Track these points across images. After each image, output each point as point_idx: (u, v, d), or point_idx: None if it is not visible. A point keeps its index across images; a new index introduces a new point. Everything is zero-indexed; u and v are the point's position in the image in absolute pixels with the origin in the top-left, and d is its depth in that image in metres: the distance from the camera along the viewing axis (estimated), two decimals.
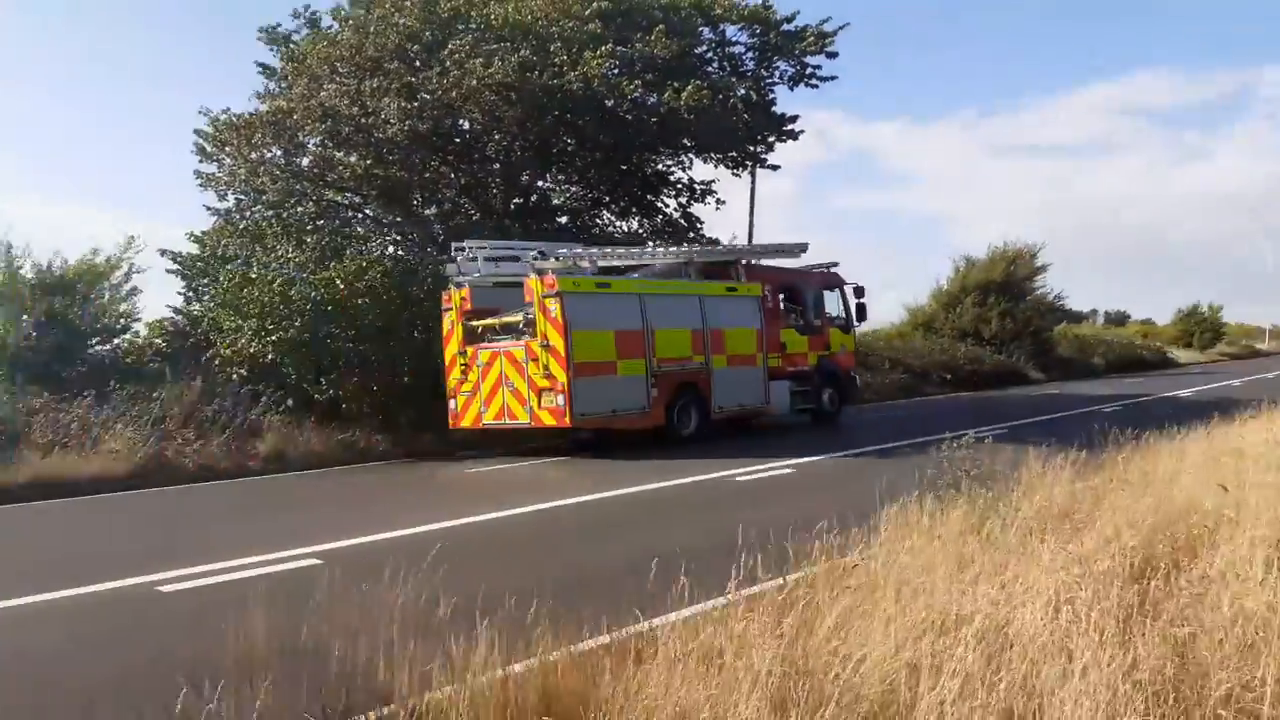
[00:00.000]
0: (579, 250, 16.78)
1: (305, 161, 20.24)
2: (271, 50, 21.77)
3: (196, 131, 20.87)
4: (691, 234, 23.77)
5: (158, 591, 7.12)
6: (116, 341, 19.41)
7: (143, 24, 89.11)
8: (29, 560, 9.28)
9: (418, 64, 19.90)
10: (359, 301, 17.39)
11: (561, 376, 14.58)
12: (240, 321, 17.60)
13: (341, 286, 17.26)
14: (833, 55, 23.79)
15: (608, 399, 15.39)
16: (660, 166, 23.91)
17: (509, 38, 19.26)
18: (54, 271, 18.60)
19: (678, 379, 16.53)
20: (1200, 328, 68.97)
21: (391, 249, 21.94)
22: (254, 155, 19.89)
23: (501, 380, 15.32)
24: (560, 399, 14.62)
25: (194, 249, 21.20)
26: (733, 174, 24.59)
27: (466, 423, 16.08)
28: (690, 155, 23.73)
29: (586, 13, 19.60)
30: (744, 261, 18.67)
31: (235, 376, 17.44)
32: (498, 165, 21.06)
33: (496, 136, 20.30)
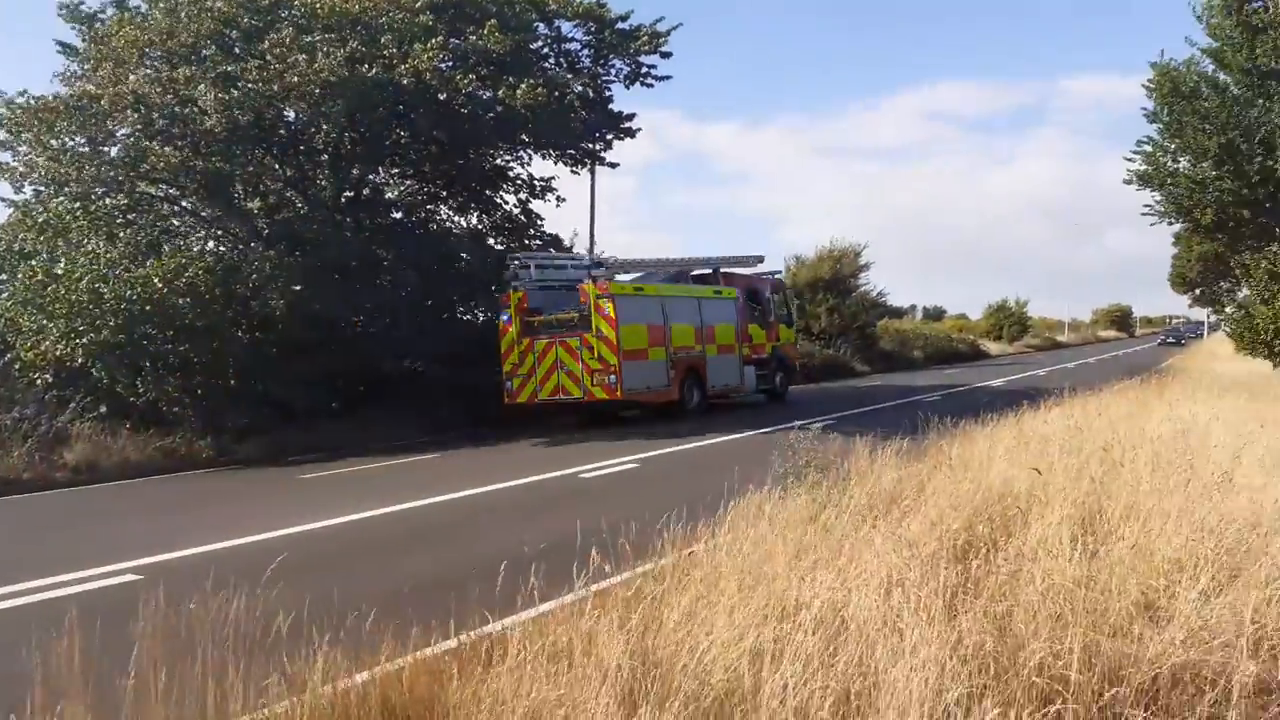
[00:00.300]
0: (615, 262, 21.06)
1: (115, 151, 18.82)
2: (74, 28, 20.15)
3: None
4: (531, 230, 23.61)
5: None
6: None
7: None
8: None
9: (236, 51, 18.88)
10: (179, 301, 16.38)
11: (613, 360, 18.24)
12: (45, 322, 16.24)
13: (160, 285, 16.19)
14: (667, 55, 24.24)
15: (643, 378, 19.14)
16: (499, 162, 23.61)
17: (334, 27, 18.51)
18: None
19: (686, 364, 20.39)
20: (1008, 321, 74.25)
21: (213, 244, 20.77)
22: (55, 143, 18.34)
23: (556, 364, 18.60)
24: (612, 378, 18.26)
25: None
26: (572, 171, 24.63)
27: (522, 399, 19.13)
28: (529, 151, 23.57)
29: (417, 4, 19.06)
30: (720, 270, 22.90)
31: (39, 382, 16.12)
32: (326, 157, 20.22)
33: (324, 128, 19.48)
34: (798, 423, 9.41)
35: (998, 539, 5.71)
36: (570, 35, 23.78)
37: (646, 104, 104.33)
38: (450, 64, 20.08)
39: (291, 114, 19.69)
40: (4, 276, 18.59)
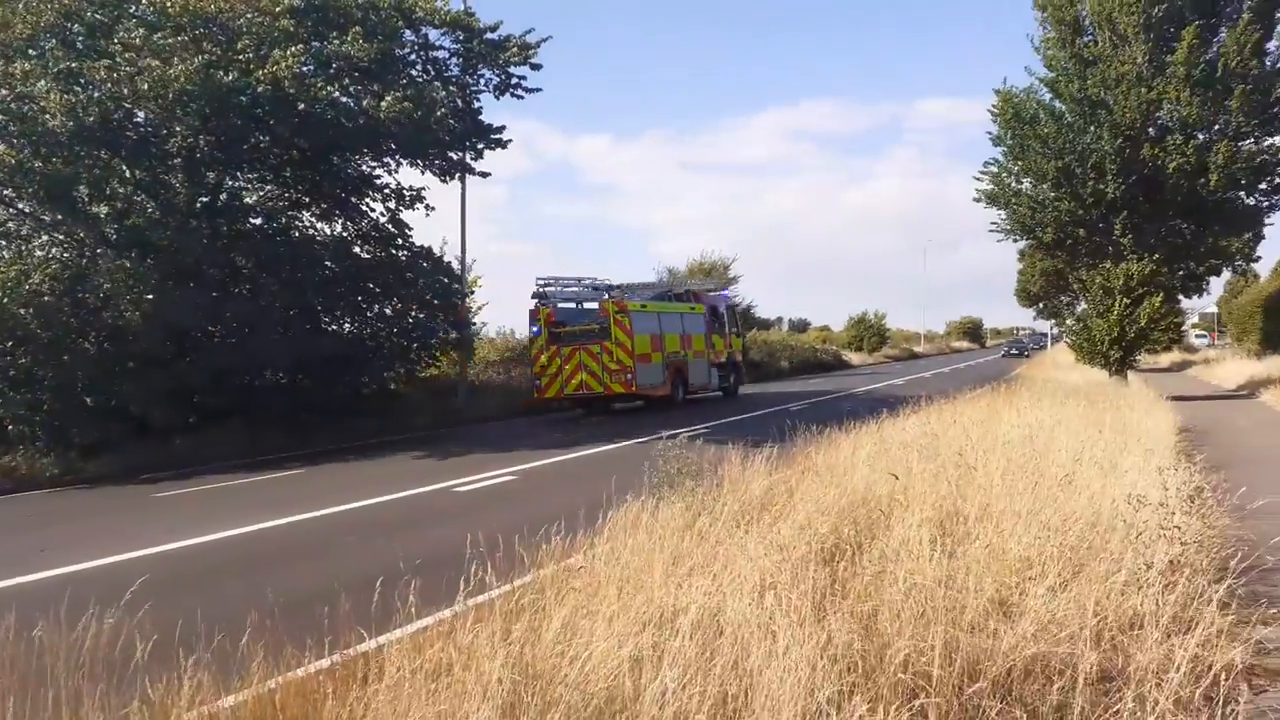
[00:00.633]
0: (624, 285, 25.65)
1: None
2: None
3: None
4: (399, 240, 23.07)
5: None
6: None
7: None
8: None
9: (79, 46, 17.79)
10: (20, 311, 15.33)
11: (629, 362, 23.11)
12: None
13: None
14: (537, 67, 24.16)
15: (648, 377, 23.95)
16: (364, 169, 23.00)
17: (186, 27, 17.67)
18: None
19: (675, 366, 25.43)
20: (869, 333, 77.27)
21: (56, 251, 19.46)
22: None
23: (580, 366, 23.26)
24: (629, 376, 23.15)
25: None
26: (441, 181, 24.22)
27: (550, 394, 23.85)
28: (396, 159, 23.05)
29: (278, 8, 18.37)
30: (692, 290, 29.60)
31: None
32: (179, 161, 19.24)
33: (178, 131, 18.56)
34: (671, 432, 9.55)
35: (863, 541, 5.94)
36: (438, 43, 23.46)
37: (517, 114, 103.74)
38: (312, 69, 19.48)
39: (141, 115, 18.70)
40: None
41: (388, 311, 22.84)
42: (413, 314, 23.03)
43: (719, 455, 8.49)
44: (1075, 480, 7.42)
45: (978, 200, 24.81)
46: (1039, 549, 5.38)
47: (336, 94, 19.22)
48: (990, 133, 24.35)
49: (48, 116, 16.48)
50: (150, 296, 17.53)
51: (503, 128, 24.11)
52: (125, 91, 16.99)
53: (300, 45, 18.43)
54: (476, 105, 24.32)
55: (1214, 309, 73.43)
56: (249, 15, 18.14)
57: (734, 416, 21.57)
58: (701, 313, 27.87)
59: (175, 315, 17.52)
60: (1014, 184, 24.27)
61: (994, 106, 23.95)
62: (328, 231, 22.62)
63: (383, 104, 19.07)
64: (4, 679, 3.50)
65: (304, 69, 18.92)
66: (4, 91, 16.64)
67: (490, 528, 5.80)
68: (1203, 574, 5.45)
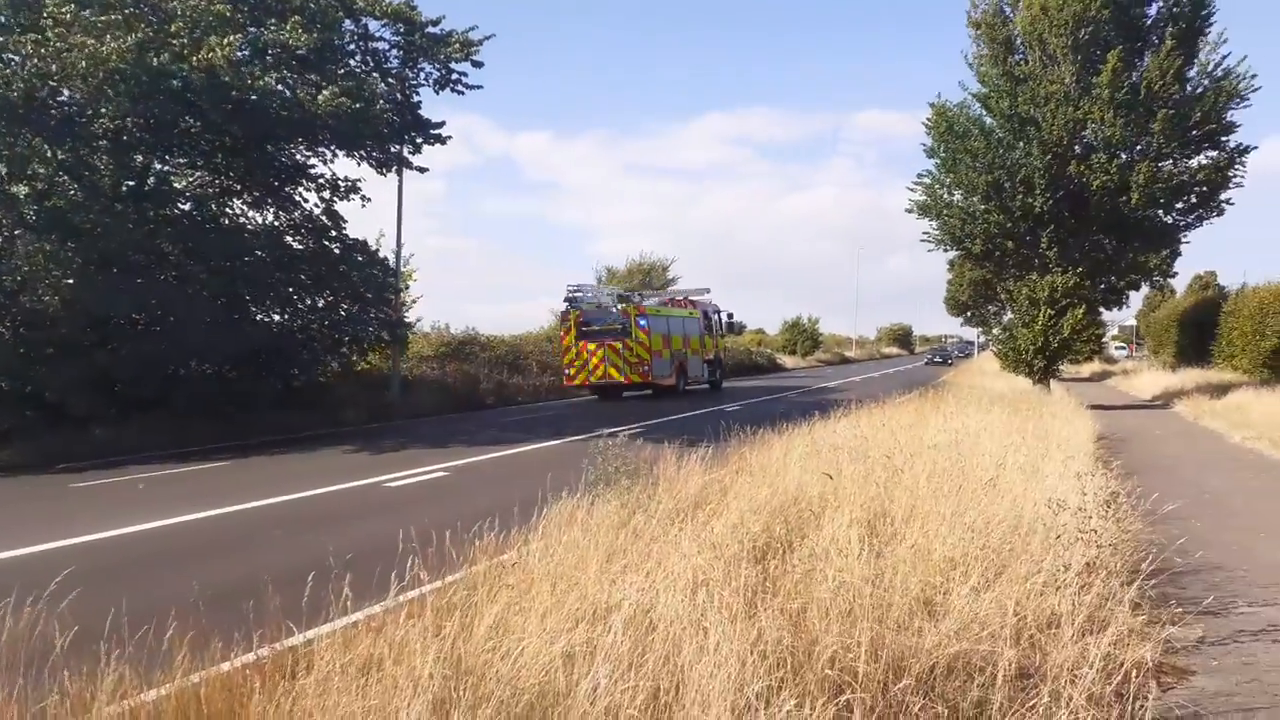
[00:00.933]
0: (642, 294, 32.46)
1: None
2: None
3: None
4: (334, 232, 22.65)
5: None
6: None
7: None
8: None
9: (3, 20, 17.11)
10: None
11: (646, 357, 28.19)
12: None
13: None
14: (478, 64, 23.97)
15: (660, 369, 29.00)
16: (299, 158, 22.52)
17: (118, 5, 17.10)
18: None
19: (679, 361, 30.75)
20: (802, 337, 78.30)
21: None
22: None
23: (604, 359, 28.18)
24: (646, 368, 28.18)
25: None
26: (378, 173, 23.85)
27: (577, 382, 29.07)
28: (332, 150, 22.62)
29: None
30: (689, 298, 34.30)
31: None
32: (105, 143, 18.62)
33: (105, 112, 17.96)
34: (610, 430, 9.61)
35: (793, 540, 6.04)
36: (378, 35, 23.11)
37: (457, 107, 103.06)
38: (248, 56, 19.04)
39: (67, 93, 18.06)
40: None
41: (320, 304, 22.41)
42: (345, 307, 22.63)
43: (656, 454, 8.55)
44: (999, 484, 7.63)
45: (910, 211, 25.28)
46: (963, 550, 5.53)
47: (274, 83, 18.77)
48: (924, 145, 24.87)
49: None
50: (71, 281, 16.95)
51: (442, 123, 23.89)
52: (54, 68, 16.40)
53: (237, 34, 17.99)
54: (416, 99, 24.06)
55: (1133, 322, 76.01)
56: None
57: (670, 417, 21.67)
58: (697, 317, 33.25)
59: (97, 302, 16.97)
60: (946, 196, 24.75)
61: (928, 120, 24.45)
62: (259, 220, 22.08)
63: (320, 96, 18.73)
64: None
65: (240, 55, 18.49)
66: None
67: (423, 523, 5.75)
68: (1116, 576, 5.67)
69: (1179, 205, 23.51)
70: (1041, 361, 24.00)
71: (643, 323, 28.40)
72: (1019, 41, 23.83)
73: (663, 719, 3.67)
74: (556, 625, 4.26)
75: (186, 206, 20.86)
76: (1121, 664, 4.24)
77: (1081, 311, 23.50)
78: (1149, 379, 32.99)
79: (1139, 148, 22.46)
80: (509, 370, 31.75)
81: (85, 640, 3.86)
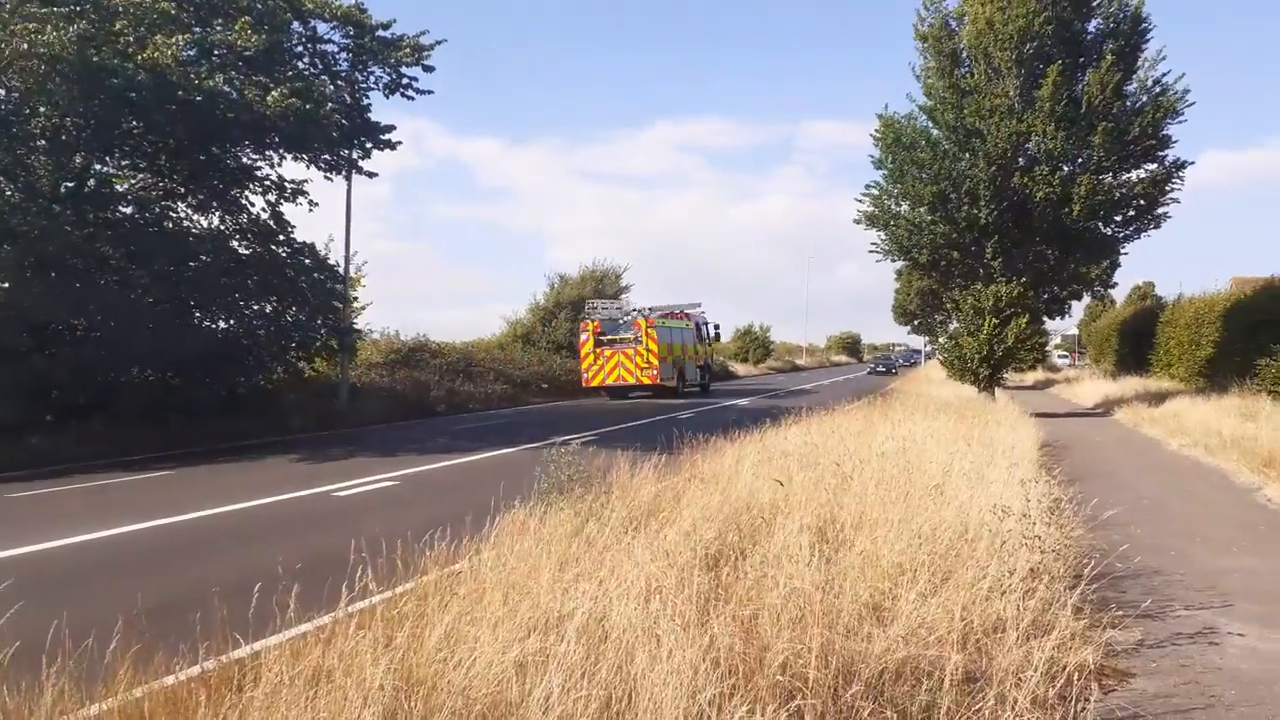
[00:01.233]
0: (651, 307, 36.43)
1: None
2: None
3: None
4: (281, 236, 22.30)
5: None
6: None
7: None
8: None
9: None
10: None
11: (655, 363, 32.86)
12: None
13: None
14: (429, 69, 23.87)
15: (666, 373, 33.58)
16: (245, 161, 22.16)
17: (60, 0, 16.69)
18: None
19: (679, 366, 35.57)
20: (754, 345, 78.82)
21: None
22: None
23: (619, 364, 33.16)
24: (655, 371, 32.83)
25: None
26: (326, 177, 23.58)
27: (594, 384, 33.74)
28: (280, 153, 22.30)
29: None
30: (685, 311, 38.05)
31: None
32: (43, 143, 18.14)
33: (43, 111, 17.50)
34: (564, 438, 9.61)
35: (745, 547, 6.08)
36: (327, 37, 22.86)
37: (405, 111, 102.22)
38: (194, 56, 18.70)
39: (2, 91, 17.58)
40: None
41: (266, 309, 22.04)
42: (292, 313, 22.28)
43: (610, 461, 8.54)
44: (945, 491, 7.76)
45: (859, 221, 25.60)
46: (911, 556, 5.62)
47: (221, 84, 18.45)
48: (872, 156, 25.22)
49: None
50: (6, 285, 16.48)
51: (392, 127, 23.68)
52: None
53: (184, 35, 17.66)
54: (366, 102, 23.84)
55: (1075, 331, 77.69)
56: None
57: (625, 424, 21.67)
58: (691, 328, 38.16)
59: (34, 306, 16.50)
60: (893, 207, 25.09)
61: (876, 131, 24.81)
62: (204, 224, 21.68)
63: (269, 97, 18.45)
64: None
65: (186, 55, 18.15)
66: None
67: (373, 533, 5.69)
68: (1060, 581, 5.80)
69: (1119, 218, 24.10)
70: (986, 370, 24.44)
71: (654, 333, 33.34)
72: (965, 55, 24.28)
73: None
74: (509, 635, 4.24)
75: (128, 209, 20.37)
76: (1064, 667, 4.34)
77: (1025, 321, 23.98)
78: (1090, 387, 33.76)
79: (1080, 160, 23.01)
80: (461, 378, 31.53)
81: (25, 655, 3.76)
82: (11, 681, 3.53)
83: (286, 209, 22.32)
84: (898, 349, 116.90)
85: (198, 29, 18.81)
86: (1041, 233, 23.81)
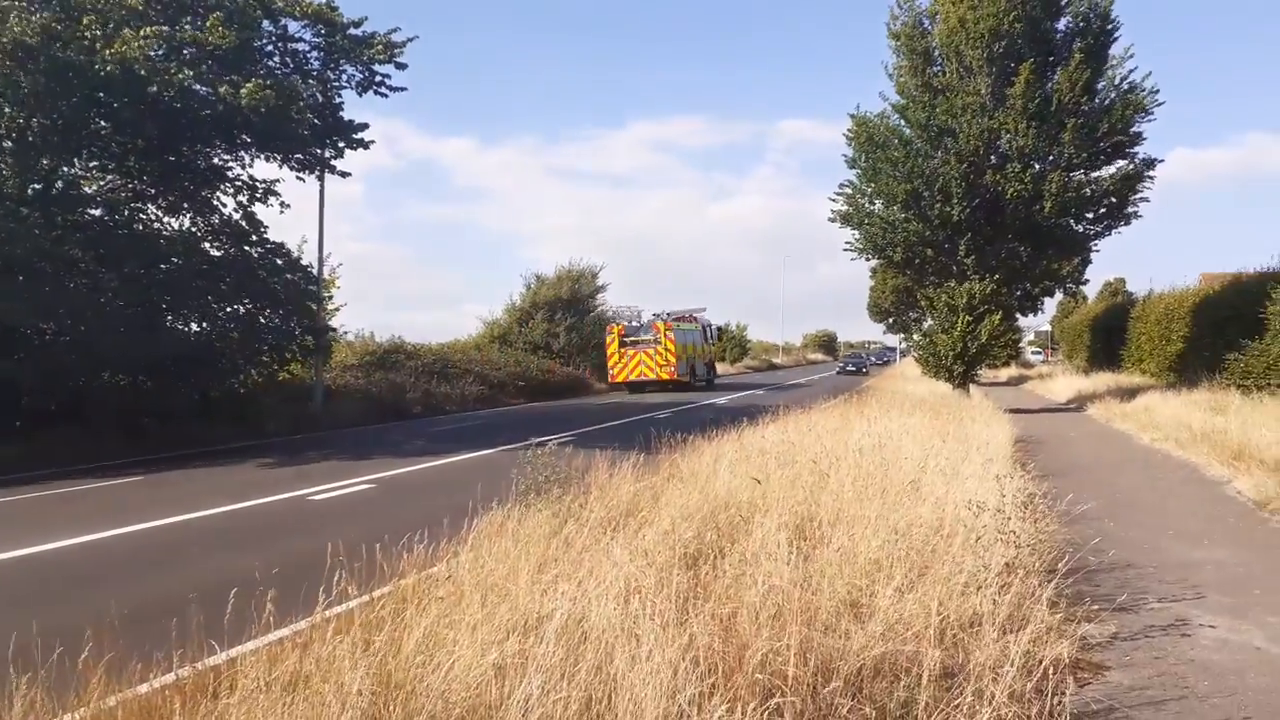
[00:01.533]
0: (668, 311, 41.32)
1: None
2: None
3: None
4: (254, 237, 22.08)
5: None
6: None
7: None
8: None
9: None
10: None
11: (673, 360, 37.93)
12: None
13: None
14: (402, 66, 23.67)
15: (681, 369, 38.60)
16: (216, 161, 21.91)
17: None
18: None
19: (691, 363, 40.64)
20: (731, 344, 78.94)
21: None
22: None
23: (640, 362, 38.16)
24: (672, 369, 37.80)
25: None
26: (298, 177, 23.36)
27: (619, 379, 38.50)
28: (251, 152, 22.07)
29: None
30: (693, 314, 43.05)
31: None
32: (9, 144, 17.87)
33: (7, 112, 17.24)
34: (540, 439, 9.59)
35: (724, 545, 6.09)
36: (298, 35, 22.65)
37: (378, 111, 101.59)
38: (163, 53, 18.48)
39: None
40: None
41: (239, 311, 21.81)
42: (265, 315, 22.08)
43: (588, 462, 8.53)
44: (921, 487, 7.81)
45: (833, 220, 25.72)
46: (887, 552, 5.65)
47: (191, 81, 18.23)
48: (846, 155, 25.34)
49: None
50: None
51: (365, 126, 23.47)
52: None
53: (154, 29, 17.44)
54: (338, 101, 23.64)
55: (1048, 327, 78.47)
56: None
57: (602, 424, 21.66)
58: (699, 329, 43.06)
59: (1, 310, 16.28)
60: (867, 205, 25.22)
61: (849, 130, 24.92)
62: (175, 226, 21.43)
63: (242, 91, 18.25)
64: None
65: (155, 53, 17.93)
66: None
67: (349, 537, 5.66)
68: (1034, 575, 5.86)
69: (1089, 215, 24.36)
70: (961, 366, 24.63)
71: (671, 335, 38.26)
72: (937, 53, 24.46)
73: None
74: (488, 637, 4.22)
75: (98, 212, 20.13)
76: (1040, 661, 4.38)
77: (999, 318, 24.19)
78: (1064, 383, 34.08)
79: (1051, 158, 23.23)
80: (437, 379, 31.38)
81: None
82: None
83: (258, 210, 22.11)
84: (871, 346, 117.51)
85: (166, 27, 18.60)
86: (1014, 230, 24.03)
